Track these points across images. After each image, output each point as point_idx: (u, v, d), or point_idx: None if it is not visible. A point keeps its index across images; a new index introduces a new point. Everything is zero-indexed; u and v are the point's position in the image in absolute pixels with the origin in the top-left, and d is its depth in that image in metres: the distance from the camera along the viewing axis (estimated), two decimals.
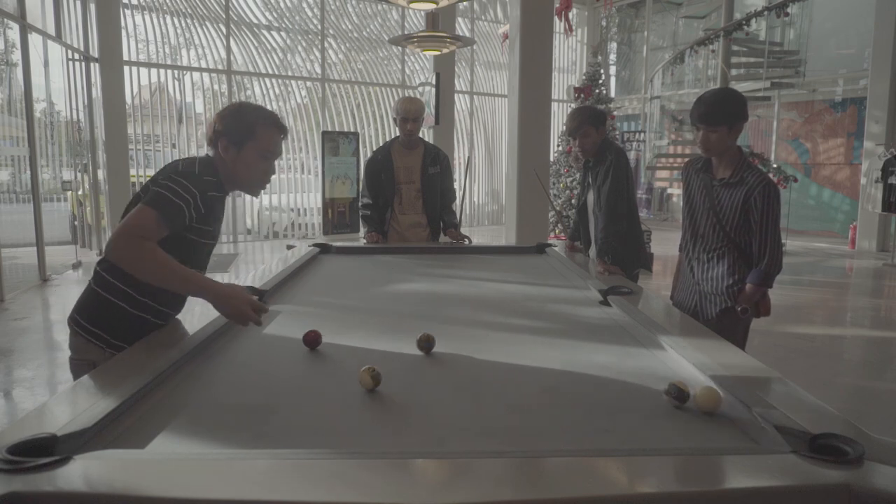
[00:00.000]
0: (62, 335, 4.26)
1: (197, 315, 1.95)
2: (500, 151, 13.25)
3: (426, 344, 1.71)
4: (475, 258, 3.47)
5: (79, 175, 8.93)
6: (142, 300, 1.83)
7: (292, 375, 1.57)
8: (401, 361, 1.65)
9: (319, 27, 11.30)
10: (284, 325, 2.01)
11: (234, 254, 9.49)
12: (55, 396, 1.29)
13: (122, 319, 1.81)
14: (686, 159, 2.86)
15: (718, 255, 2.59)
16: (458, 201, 4.71)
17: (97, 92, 9.09)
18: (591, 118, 3.25)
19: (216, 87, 10.78)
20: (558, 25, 9.90)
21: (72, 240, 8.98)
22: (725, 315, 2.56)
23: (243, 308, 1.67)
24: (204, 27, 10.39)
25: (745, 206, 2.47)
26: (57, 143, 8.71)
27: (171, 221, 1.72)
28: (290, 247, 3.57)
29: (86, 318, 1.84)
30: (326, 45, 11.39)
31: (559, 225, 9.51)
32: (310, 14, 11.44)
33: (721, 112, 2.46)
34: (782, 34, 11.83)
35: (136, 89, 9.74)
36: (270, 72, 10.98)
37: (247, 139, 1.84)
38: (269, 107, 12.42)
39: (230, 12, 10.45)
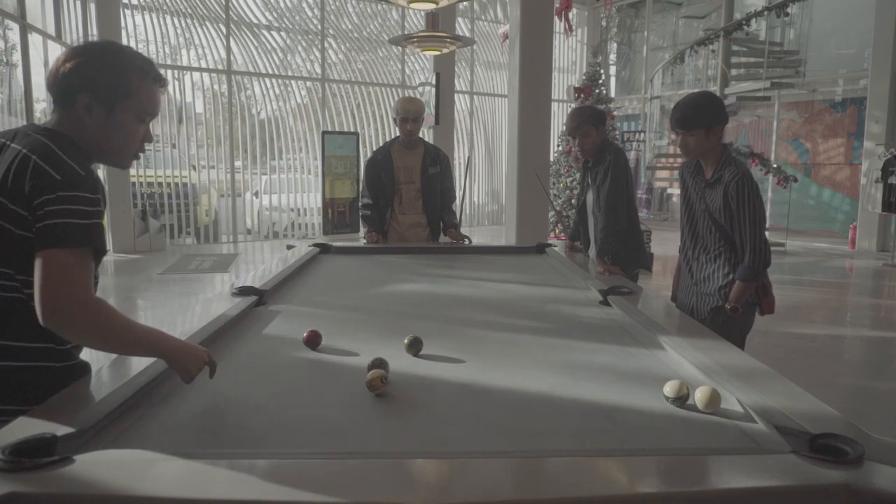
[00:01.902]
0: None
1: (197, 316, 1.95)
2: (500, 151, 13.24)
3: (413, 347, 1.70)
4: (475, 258, 3.47)
5: None
6: (65, 348, 1.42)
7: (292, 375, 1.57)
8: (400, 361, 1.64)
9: (319, 27, 11.29)
10: (284, 325, 2.01)
11: (234, 254, 9.50)
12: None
13: (52, 377, 1.39)
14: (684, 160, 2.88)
15: (715, 255, 2.60)
16: (458, 201, 4.71)
17: None
18: (591, 118, 3.26)
19: (216, 87, 10.78)
20: (558, 25, 9.89)
21: None
22: (717, 314, 2.57)
23: (194, 371, 1.36)
24: (204, 27, 10.39)
25: (725, 202, 2.47)
26: None
27: (99, 253, 1.32)
28: (290, 247, 3.57)
29: (12, 401, 1.33)
30: (326, 45, 11.39)
31: (559, 225, 9.51)
32: (310, 14, 11.44)
33: (696, 116, 2.47)
34: (782, 34, 11.83)
35: None
36: (270, 72, 10.98)
37: (120, 98, 1.39)
38: (269, 107, 12.16)
39: (230, 12, 10.45)
